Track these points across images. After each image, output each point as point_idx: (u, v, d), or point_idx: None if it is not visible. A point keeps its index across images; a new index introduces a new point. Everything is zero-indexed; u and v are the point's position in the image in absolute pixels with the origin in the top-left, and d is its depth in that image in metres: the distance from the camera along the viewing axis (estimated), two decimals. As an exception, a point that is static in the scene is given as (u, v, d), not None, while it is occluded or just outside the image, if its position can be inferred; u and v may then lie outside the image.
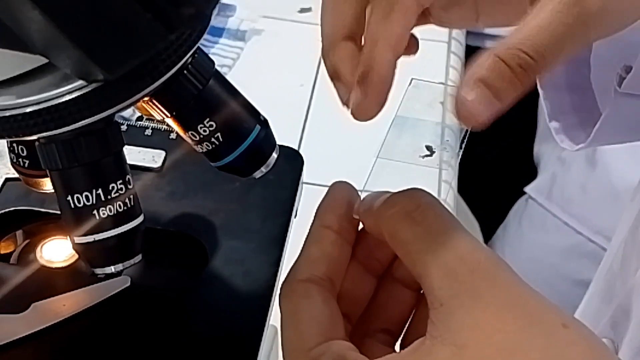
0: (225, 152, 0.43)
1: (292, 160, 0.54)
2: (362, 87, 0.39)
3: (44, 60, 0.37)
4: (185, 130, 0.43)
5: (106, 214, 0.40)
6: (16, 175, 0.51)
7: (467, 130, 0.40)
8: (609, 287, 0.61)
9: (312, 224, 0.39)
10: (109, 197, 0.40)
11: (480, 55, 0.35)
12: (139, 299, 0.47)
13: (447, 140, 0.43)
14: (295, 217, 0.53)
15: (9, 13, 0.33)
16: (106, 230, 0.40)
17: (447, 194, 0.85)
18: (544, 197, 1.10)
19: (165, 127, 0.55)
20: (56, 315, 0.45)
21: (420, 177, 0.41)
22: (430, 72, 0.96)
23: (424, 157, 0.42)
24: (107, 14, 0.31)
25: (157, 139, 0.54)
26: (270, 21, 0.98)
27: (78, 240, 0.41)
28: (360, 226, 0.40)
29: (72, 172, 0.40)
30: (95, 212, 0.40)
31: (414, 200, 0.37)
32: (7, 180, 0.52)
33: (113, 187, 0.40)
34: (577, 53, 0.39)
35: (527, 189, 1.14)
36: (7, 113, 0.37)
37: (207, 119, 0.42)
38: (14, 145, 0.44)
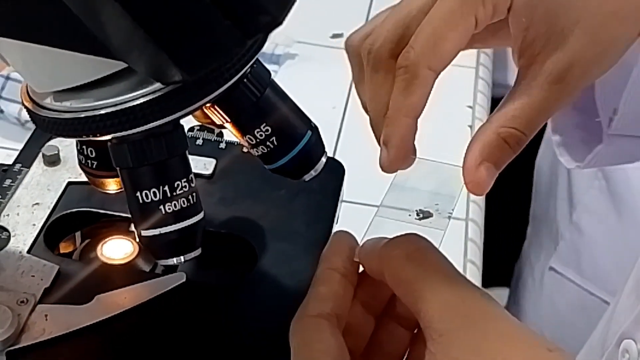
0: (279, 156, 0.46)
1: (334, 169, 0.57)
2: (387, 148, 0.45)
3: (121, 66, 0.40)
4: (243, 134, 0.46)
5: (171, 210, 0.43)
6: (78, 179, 0.55)
7: (457, 199, 0.48)
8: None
9: (319, 266, 0.44)
10: (174, 193, 0.43)
11: (482, 129, 0.44)
12: (193, 295, 0.50)
13: (437, 205, 0.49)
14: (336, 223, 0.57)
15: (93, 17, 0.37)
16: (170, 225, 0.44)
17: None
18: (572, 270, 1.04)
19: (215, 137, 0.59)
20: (117, 307, 0.48)
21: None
22: (458, 96, 1.00)
23: (420, 219, 0.48)
24: (189, 19, 0.34)
25: (207, 148, 0.58)
26: (304, 46, 1.01)
27: (144, 233, 0.44)
28: (361, 269, 0.44)
29: (141, 170, 0.43)
30: (161, 207, 0.43)
31: (413, 243, 0.43)
32: (69, 183, 0.55)
33: (178, 185, 0.43)
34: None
35: (552, 263, 1.07)
36: (86, 114, 0.41)
37: (264, 124, 0.45)
38: (84, 147, 0.47)
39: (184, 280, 0.50)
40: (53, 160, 0.56)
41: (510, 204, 1.17)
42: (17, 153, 0.59)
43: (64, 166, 0.56)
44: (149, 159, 0.43)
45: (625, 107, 0.53)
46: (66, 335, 0.47)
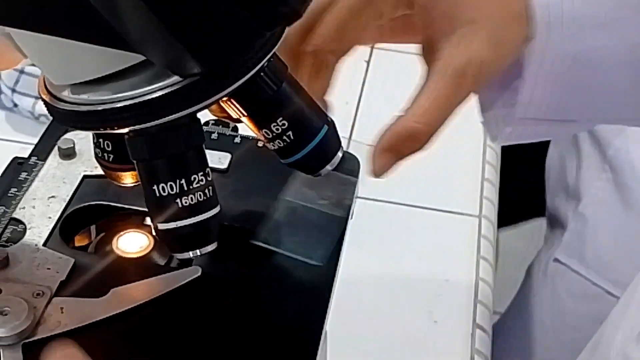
0: (295, 150, 0.46)
1: (350, 163, 0.57)
2: None
3: (139, 59, 0.40)
4: (259, 128, 0.46)
5: (187, 203, 0.43)
6: (93, 172, 0.55)
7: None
8: None
9: None
10: (190, 187, 0.43)
11: (396, 122, 0.49)
12: (208, 288, 0.50)
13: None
14: (351, 218, 0.57)
15: (111, 9, 0.37)
16: (186, 218, 0.44)
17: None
18: (576, 261, 1.03)
19: (230, 131, 0.59)
20: (132, 300, 0.48)
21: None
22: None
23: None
24: (207, 11, 0.34)
25: (223, 142, 0.58)
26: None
27: (161, 226, 0.44)
28: None
29: (157, 163, 0.43)
30: (177, 200, 0.43)
31: None
32: (85, 177, 0.55)
33: (194, 178, 0.43)
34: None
35: (557, 254, 1.06)
36: (104, 107, 0.41)
37: (280, 118, 0.45)
38: (100, 140, 0.47)
39: (199, 274, 0.50)
40: (69, 154, 0.56)
41: (523, 201, 1.17)
42: (30, 147, 0.59)
43: (80, 159, 0.56)
44: (165, 152, 0.43)
45: (523, 96, 0.55)
46: (82, 328, 0.47)
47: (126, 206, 0.53)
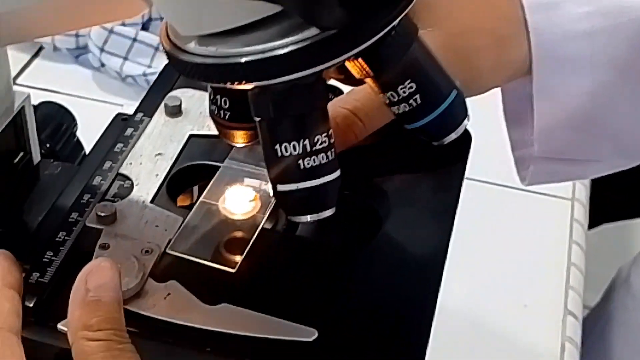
0: (422, 114, 0.44)
1: (461, 135, 0.55)
2: None
3: (272, 10, 0.39)
4: (384, 90, 0.44)
5: (309, 165, 0.42)
6: (200, 132, 0.54)
7: None
8: None
9: None
10: (314, 148, 0.42)
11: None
12: (316, 255, 0.49)
13: None
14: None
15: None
16: (307, 180, 0.42)
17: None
18: None
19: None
20: (239, 326, 0.45)
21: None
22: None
23: None
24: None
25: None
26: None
27: (280, 187, 0.42)
28: None
29: (281, 122, 0.42)
30: (299, 161, 0.42)
31: None
32: (191, 136, 0.54)
33: (318, 139, 0.42)
34: None
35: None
36: (231, 60, 0.40)
37: (409, 80, 0.43)
38: (218, 97, 0.46)
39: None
40: (175, 112, 0.55)
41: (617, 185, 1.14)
42: (116, 107, 0.57)
43: (186, 118, 0.55)
44: (290, 111, 0.41)
45: (539, 135, 0.57)
46: (168, 323, 0.44)
47: (234, 167, 0.52)
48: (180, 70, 0.41)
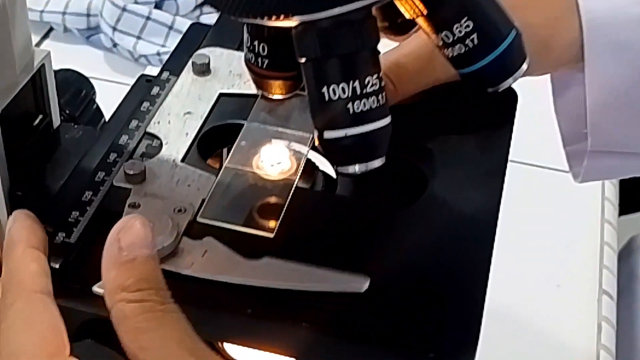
0: (479, 57, 0.41)
1: (507, 95, 0.52)
2: None
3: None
4: (438, 31, 0.41)
5: (359, 109, 0.39)
6: (229, 91, 0.51)
7: None
8: None
9: (16, 249, 0.41)
10: (364, 91, 0.39)
11: None
12: (358, 213, 0.46)
13: None
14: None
15: None
16: (357, 126, 0.39)
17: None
18: None
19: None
20: (283, 278, 0.41)
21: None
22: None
23: None
24: None
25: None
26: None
27: (327, 134, 0.39)
28: None
29: (328, 62, 0.38)
30: (349, 105, 0.39)
31: None
32: (221, 95, 0.51)
33: (369, 81, 0.39)
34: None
35: None
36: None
37: (465, 18, 0.40)
38: (255, 43, 0.43)
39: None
40: (203, 70, 0.52)
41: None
42: (128, 88, 0.54)
43: (215, 76, 0.52)
44: (338, 50, 0.38)
45: (592, 127, 0.55)
46: (208, 281, 0.41)
47: (268, 127, 0.49)
48: (220, 7, 0.38)
